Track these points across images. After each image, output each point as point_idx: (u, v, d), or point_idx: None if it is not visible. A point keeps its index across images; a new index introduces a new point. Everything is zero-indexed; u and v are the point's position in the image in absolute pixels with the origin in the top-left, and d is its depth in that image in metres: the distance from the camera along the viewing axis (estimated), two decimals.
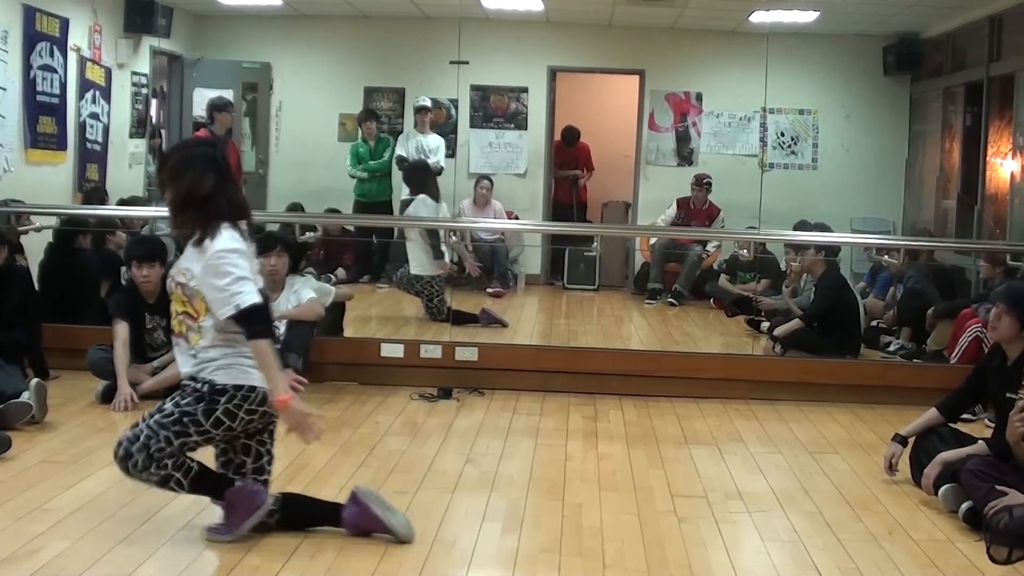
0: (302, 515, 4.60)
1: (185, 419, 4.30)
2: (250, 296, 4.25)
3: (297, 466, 5.63)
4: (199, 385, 4.35)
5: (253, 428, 4.46)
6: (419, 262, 10.13)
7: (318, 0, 13.16)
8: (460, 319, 9.73)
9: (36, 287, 7.93)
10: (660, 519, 4.92)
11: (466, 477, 5.55)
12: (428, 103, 12.84)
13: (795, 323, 8.67)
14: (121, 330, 6.97)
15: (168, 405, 4.35)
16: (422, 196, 10.33)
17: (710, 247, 12.53)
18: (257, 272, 4.44)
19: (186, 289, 4.39)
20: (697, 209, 12.53)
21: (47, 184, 10.51)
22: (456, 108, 13.88)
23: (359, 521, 4.47)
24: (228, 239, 4.30)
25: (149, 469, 4.27)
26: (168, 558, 4.24)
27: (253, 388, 4.36)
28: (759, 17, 12.40)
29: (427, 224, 11.55)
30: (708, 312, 11.48)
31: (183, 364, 4.45)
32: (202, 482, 4.38)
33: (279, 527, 4.51)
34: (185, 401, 4.33)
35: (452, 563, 4.32)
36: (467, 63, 13.34)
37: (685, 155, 13.79)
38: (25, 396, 6.19)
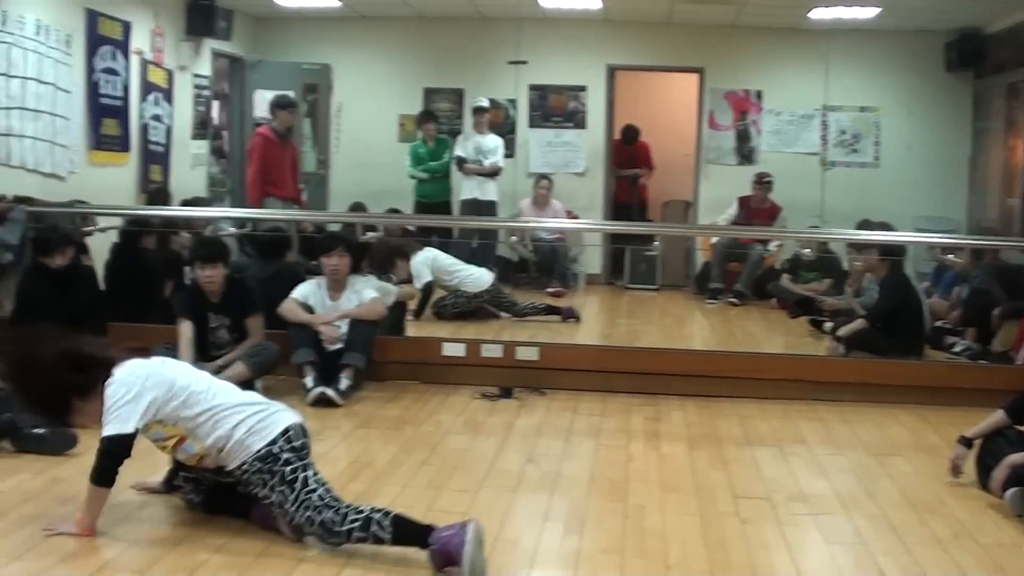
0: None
1: (287, 478, 4.30)
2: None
3: (360, 464, 5.66)
4: (249, 466, 4.35)
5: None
6: (475, 280, 10.28)
7: (377, 1, 13.20)
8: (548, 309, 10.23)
9: (101, 287, 8.01)
10: (722, 521, 4.89)
11: (527, 477, 5.55)
12: (486, 103, 12.85)
13: (859, 323, 8.58)
14: (185, 329, 7.04)
15: (275, 497, 4.31)
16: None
17: (771, 246, 12.44)
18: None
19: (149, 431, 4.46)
20: (758, 208, 12.46)
21: (111, 185, 10.64)
22: (515, 108, 13.89)
23: (446, 545, 4.13)
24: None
25: (348, 517, 4.20)
26: (228, 551, 4.27)
27: (285, 432, 4.40)
28: (819, 14, 12.33)
29: (487, 225, 11.61)
30: (770, 312, 11.41)
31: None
32: (401, 527, 4.20)
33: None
34: (268, 481, 4.32)
35: (514, 562, 4.32)
36: (525, 63, 13.40)
37: (745, 154, 13.72)
38: None
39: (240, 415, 4.39)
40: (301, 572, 4.10)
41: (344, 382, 7.08)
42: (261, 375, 7.11)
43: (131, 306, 8.17)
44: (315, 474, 4.37)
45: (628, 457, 5.98)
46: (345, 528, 4.19)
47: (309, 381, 7.09)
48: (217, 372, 6.97)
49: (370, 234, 10.96)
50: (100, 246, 9.05)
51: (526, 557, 4.36)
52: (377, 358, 7.58)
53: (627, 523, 4.81)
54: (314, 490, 4.28)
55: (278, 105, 10.52)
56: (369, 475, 5.45)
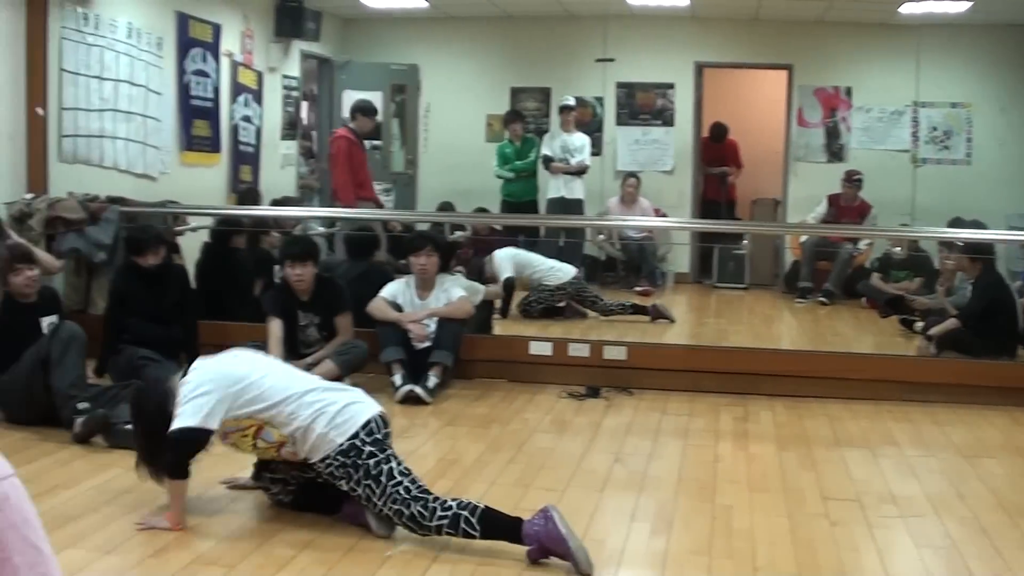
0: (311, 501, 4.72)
1: (372, 472, 4.34)
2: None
3: (448, 461, 5.70)
4: (332, 460, 4.39)
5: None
6: (559, 273, 10.30)
7: (464, 1, 13.26)
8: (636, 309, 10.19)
9: (193, 285, 8.13)
10: (811, 522, 4.85)
11: (615, 476, 5.55)
12: (572, 102, 12.83)
13: (951, 323, 8.45)
14: (275, 327, 7.13)
15: (362, 493, 4.36)
16: None
17: (861, 245, 12.31)
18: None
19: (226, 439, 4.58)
20: (848, 206, 12.33)
21: (202, 185, 10.80)
22: (602, 106, 13.88)
23: (544, 540, 4.19)
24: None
25: (437, 513, 4.24)
26: (317, 547, 4.32)
27: (366, 425, 4.43)
28: (909, 8, 12.17)
29: (574, 223, 11.61)
30: (859, 311, 11.28)
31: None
32: (490, 522, 4.24)
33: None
34: (354, 476, 4.36)
35: (601, 562, 4.31)
36: (613, 60, 13.38)
37: (835, 151, 13.58)
38: None
39: (318, 405, 4.43)
40: (388, 568, 4.14)
41: (432, 380, 7.13)
42: (350, 373, 7.18)
43: (222, 304, 8.29)
44: (399, 464, 4.42)
45: (716, 457, 5.96)
46: (434, 524, 4.24)
47: (397, 379, 7.15)
48: (307, 370, 7.08)
49: (458, 233, 11.02)
50: (192, 245, 9.18)
51: (613, 557, 4.36)
52: (465, 356, 7.62)
53: (715, 524, 4.79)
54: (400, 482, 4.32)
55: (359, 110, 10.55)
56: (456, 473, 5.48)
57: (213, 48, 11.11)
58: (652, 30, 13.58)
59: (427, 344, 7.35)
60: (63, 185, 8.67)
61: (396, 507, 4.29)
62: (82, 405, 5.84)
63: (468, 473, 5.48)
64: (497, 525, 4.23)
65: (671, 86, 13.88)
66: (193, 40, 10.74)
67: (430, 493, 4.34)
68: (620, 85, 13.87)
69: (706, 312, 11.71)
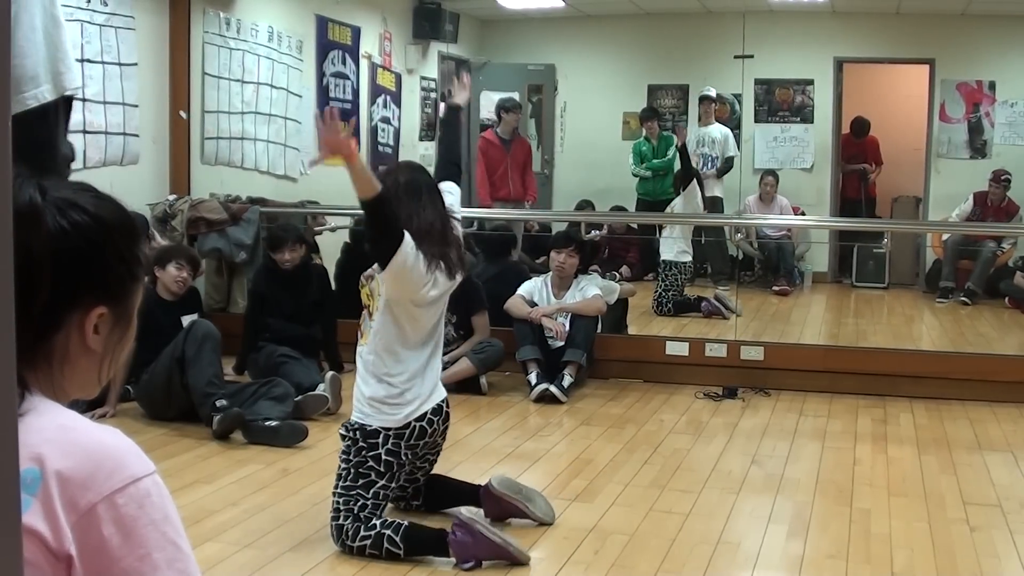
0: (444, 499, 4.75)
1: (362, 468, 4.31)
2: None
3: (582, 461, 5.73)
4: (352, 433, 4.37)
5: (422, 454, 4.53)
6: (668, 246, 10.27)
7: (601, 0, 13.26)
8: (682, 307, 9.98)
9: (333, 285, 8.28)
10: (951, 527, 4.77)
11: (751, 478, 5.52)
12: (712, 93, 12.77)
13: None
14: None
15: (341, 467, 4.38)
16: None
17: (1004, 243, 12.03)
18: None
19: (371, 282, 4.53)
20: (994, 207, 12.03)
21: (341, 186, 10.91)
22: (740, 103, 13.77)
23: (500, 513, 4.58)
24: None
25: (360, 533, 4.23)
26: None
27: (407, 426, 4.34)
28: None
29: (711, 221, 11.54)
30: (1002, 312, 11.03)
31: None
32: (415, 536, 4.26)
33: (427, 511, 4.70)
34: (351, 454, 4.35)
35: (737, 564, 4.32)
36: (751, 57, 13.23)
37: (978, 147, 13.27)
38: (321, 388, 6.54)
39: (397, 370, 4.35)
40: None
41: (567, 379, 7.17)
42: (486, 371, 7.26)
43: (361, 304, 8.40)
44: (387, 484, 4.35)
45: (854, 460, 5.89)
46: (357, 544, 4.23)
47: (533, 378, 7.20)
48: (443, 368, 7.17)
49: (595, 232, 11.04)
50: (332, 246, 9.33)
51: (748, 560, 4.35)
52: (600, 356, 7.65)
53: (852, 528, 4.74)
54: (365, 495, 4.30)
55: (503, 108, 10.75)
56: (591, 472, 5.51)
57: (352, 51, 11.27)
58: (791, 25, 13.43)
59: (562, 343, 7.39)
60: (205, 186, 8.90)
61: (340, 509, 4.29)
62: (220, 403, 5.98)
63: (603, 473, 5.51)
64: (423, 541, 4.25)
65: (810, 82, 13.70)
66: (333, 43, 10.92)
67: (378, 519, 4.28)
68: (758, 82, 13.73)
69: (845, 312, 11.56)
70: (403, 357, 4.36)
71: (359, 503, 4.28)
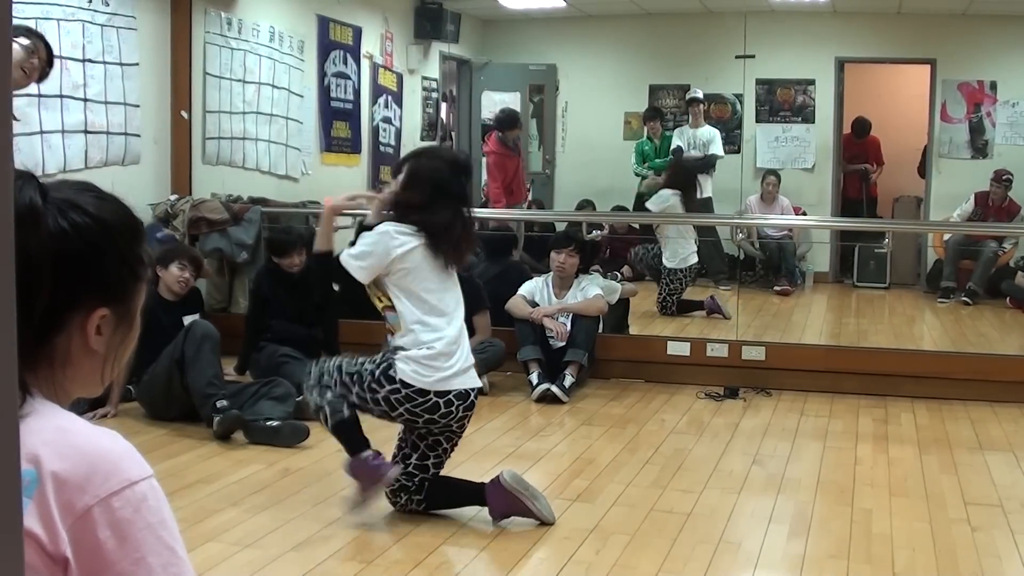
0: (446, 497, 4.79)
1: (363, 373, 4.50)
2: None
3: (584, 461, 5.73)
4: (387, 356, 4.52)
5: (422, 431, 4.60)
6: (673, 253, 10.18)
7: (602, 0, 13.26)
8: (685, 307, 9.97)
9: (334, 286, 8.26)
10: (952, 527, 4.77)
11: (752, 478, 5.52)
12: (699, 95, 12.77)
13: None
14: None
15: (361, 357, 4.59)
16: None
17: (1006, 243, 12.02)
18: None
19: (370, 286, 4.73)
20: (995, 207, 12.03)
21: (342, 186, 10.93)
22: (741, 103, 13.76)
23: (506, 508, 4.61)
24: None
25: (314, 391, 4.57)
26: (465, 542, 4.39)
27: (423, 392, 4.45)
28: None
29: (713, 222, 11.54)
30: (1003, 312, 11.02)
31: None
32: (343, 430, 4.59)
33: (428, 510, 4.72)
34: (374, 361, 4.53)
35: (738, 564, 4.32)
36: (753, 57, 13.22)
37: (979, 147, 13.25)
38: None
39: (432, 337, 4.52)
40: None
41: (568, 379, 7.17)
42: (487, 371, 7.24)
43: (363, 303, 8.39)
44: (367, 406, 4.54)
45: (856, 460, 5.89)
46: (313, 400, 4.61)
47: (534, 378, 7.20)
48: None
49: (596, 232, 11.03)
50: (334, 246, 9.31)
51: (750, 560, 4.35)
52: (601, 356, 7.65)
53: (853, 527, 4.74)
54: (361, 374, 4.51)
55: (503, 124, 10.85)
56: (592, 472, 5.51)
57: (354, 50, 11.28)
58: (792, 25, 13.43)
59: (563, 344, 7.40)
60: (206, 186, 8.90)
61: (333, 373, 4.58)
62: (220, 403, 5.99)
63: (604, 473, 5.51)
64: (352, 433, 4.60)
65: (812, 82, 13.69)
66: (334, 43, 10.93)
67: (334, 395, 4.54)
68: (760, 82, 13.72)
69: (846, 312, 11.56)
70: (435, 325, 4.53)
71: (334, 378, 4.57)
